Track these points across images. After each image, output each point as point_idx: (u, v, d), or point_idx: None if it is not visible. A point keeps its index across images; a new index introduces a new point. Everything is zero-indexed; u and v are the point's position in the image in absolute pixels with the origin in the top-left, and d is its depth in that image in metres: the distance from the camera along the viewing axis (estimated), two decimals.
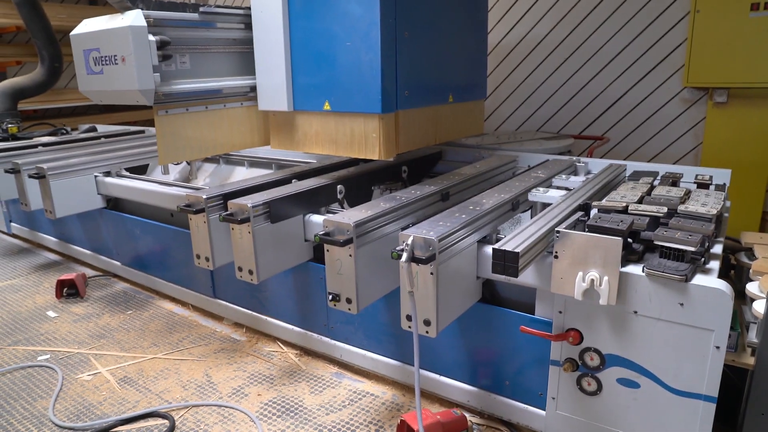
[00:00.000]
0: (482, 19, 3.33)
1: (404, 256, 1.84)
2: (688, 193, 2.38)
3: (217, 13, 2.85)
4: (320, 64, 2.61)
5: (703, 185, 2.64)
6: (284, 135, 2.89)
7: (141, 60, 2.49)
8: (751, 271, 2.21)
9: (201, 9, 2.78)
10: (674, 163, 4.50)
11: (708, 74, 4.11)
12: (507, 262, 1.74)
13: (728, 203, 2.71)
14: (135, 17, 2.48)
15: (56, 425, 2.40)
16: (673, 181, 2.67)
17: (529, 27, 4.98)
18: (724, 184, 2.75)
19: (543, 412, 2.16)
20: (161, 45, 2.55)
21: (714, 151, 4.28)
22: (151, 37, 2.51)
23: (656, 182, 2.64)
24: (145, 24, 2.49)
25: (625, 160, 3.65)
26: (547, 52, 4.94)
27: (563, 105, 4.99)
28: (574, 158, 3.23)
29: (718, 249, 2.05)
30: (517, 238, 1.85)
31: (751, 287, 2.10)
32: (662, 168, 2.92)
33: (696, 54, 4.10)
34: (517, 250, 1.73)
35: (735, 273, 2.61)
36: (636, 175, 2.77)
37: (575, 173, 3.14)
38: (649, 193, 2.39)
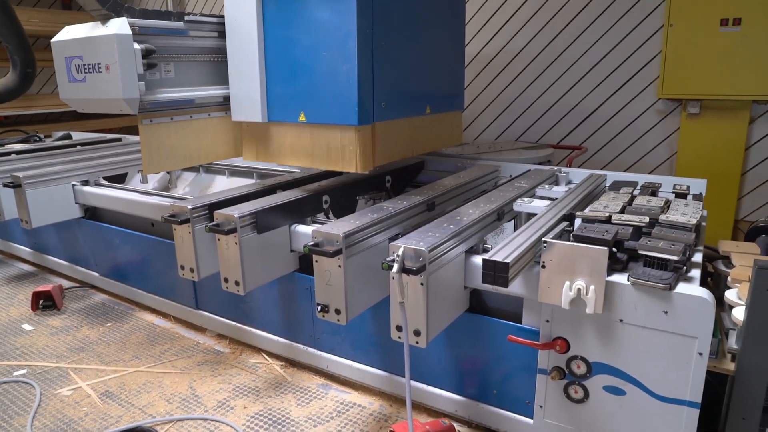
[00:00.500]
0: (460, 30, 3.36)
1: (395, 266, 1.85)
2: (667, 203, 2.44)
3: (202, 21, 2.83)
4: (296, 75, 2.58)
5: (681, 195, 2.72)
6: (258, 146, 2.85)
7: (126, 68, 2.46)
8: (729, 278, 2.28)
9: (186, 18, 2.76)
10: (650, 173, 4.61)
11: (681, 86, 4.22)
12: (497, 272, 1.77)
13: (705, 212, 2.79)
14: (120, 25, 2.45)
15: None
16: (652, 190, 2.74)
17: (507, 39, 5.06)
18: (701, 193, 2.83)
19: (531, 421, 2.19)
20: (146, 53, 2.53)
21: (688, 161, 4.40)
22: (136, 46, 2.48)
23: (636, 192, 2.70)
24: (130, 32, 2.46)
25: (602, 169, 3.73)
26: (524, 64, 5.03)
27: (541, 115, 5.07)
28: (555, 168, 3.29)
29: (698, 257, 2.11)
30: (506, 248, 1.88)
31: (730, 294, 2.16)
32: (641, 178, 2.99)
33: (670, 66, 4.22)
34: (507, 261, 1.75)
35: (713, 281, 2.68)
36: (616, 185, 2.83)
37: (557, 183, 3.20)
38: (630, 203, 2.44)
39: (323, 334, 2.77)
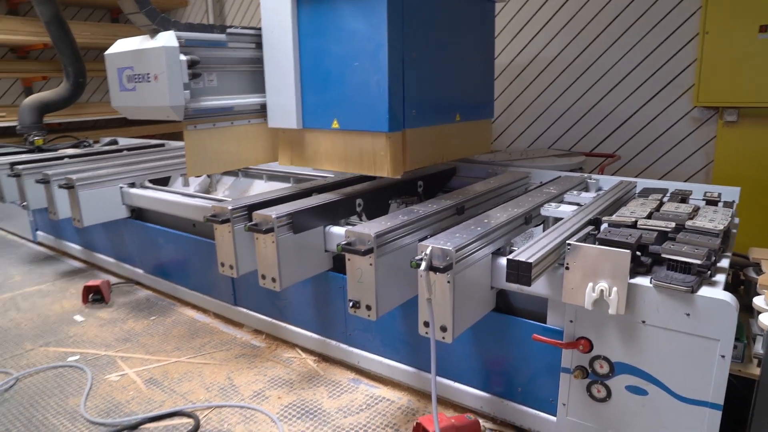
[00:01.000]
0: (489, 40, 3.44)
1: (423, 265, 1.94)
2: (696, 209, 2.47)
3: (242, 34, 2.99)
4: (329, 83, 2.70)
5: (711, 202, 2.73)
6: (293, 152, 2.98)
7: (173, 78, 2.63)
8: (758, 285, 2.29)
9: (227, 30, 2.93)
10: (685, 181, 4.58)
11: (718, 94, 4.20)
12: (521, 271, 1.84)
13: (737, 220, 2.80)
14: (168, 38, 2.64)
15: (88, 421, 2.52)
16: (682, 197, 2.76)
17: (541, 47, 5.11)
18: (733, 201, 2.83)
19: (554, 418, 2.25)
20: (191, 64, 2.70)
21: (725, 169, 4.36)
22: (182, 57, 2.66)
23: (666, 199, 2.73)
24: (177, 45, 2.64)
25: (636, 177, 3.74)
26: (558, 72, 5.06)
27: (575, 123, 5.09)
28: (585, 175, 3.33)
29: (724, 263, 2.13)
30: (530, 249, 1.96)
31: (758, 300, 2.17)
32: (672, 185, 3.01)
33: (705, 74, 4.20)
34: (530, 261, 1.83)
35: (744, 288, 2.69)
36: (645, 192, 2.86)
37: (586, 189, 3.23)
38: (658, 209, 2.48)
39: (355, 330, 2.88)
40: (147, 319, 3.63)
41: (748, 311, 2.31)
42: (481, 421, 2.40)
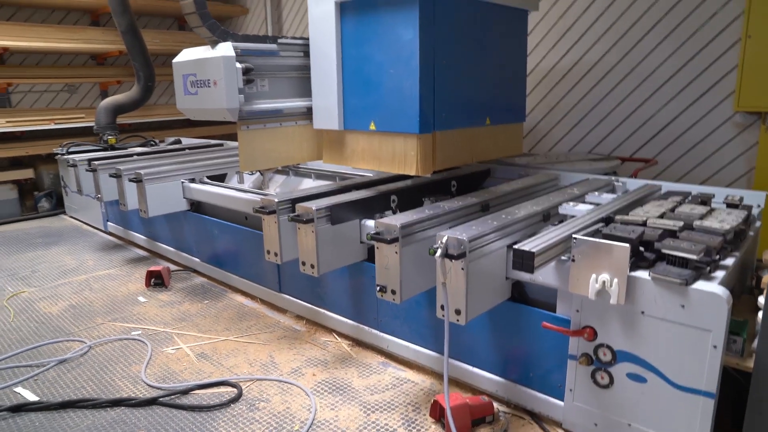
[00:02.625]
0: (522, 48, 3.60)
1: (439, 252, 2.16)
2: (710, 211, 2.57)
3: (291, 44, 3.31)
4: (367, 88, 2.93)
5: (732, 205, 2.81)
6: (335, 151, 3.24)
7: (229, 83, 2.98)
8: (762, 283, 2.38)
9: (279, 41, 3.25)
10: (727, 186, 4.56)
11: (759, 99, 4.18)
12: (524, 260, 2.04)
13: (758, 223, 2.87)
14: (226, 49, 2.99)
15: (148, 385, 2.88)
16: (702, 200, 2.85)
17: (583, 52, 5.20)
18: (754, 205, 2.89)
19: (562, 403, 2.41)
20: (246, 71, 3.05)
21: (767, 176, 4.32)
22: (238, 65, 3.00)
23: (686, 201, 2.83)
24: (234, 54, 2.98)
25: (675, 182, 3.80)
26: (600, 76, 5.14)
27: (615, 127, 5.15)
28: (613, 178, 3.44)
29: (729, 261, 2.24)
30: (536, 240, 2.14)
31: (761, 299, 2.27)
32: (695, 188, 3.09)
33: (747, 78, 4.18)
34: (533, 250, 2.02)
35: (757, 290, 2.75)
36: (667, 195, 2.97)
37: (613, 191, 3.35)
38: (673, 210, 2.60)
39: (386, 317, 3.12)
40: (201, 302, 3.99)
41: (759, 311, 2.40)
42: (495, 403, 2.58)
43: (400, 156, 2.90)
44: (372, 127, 2.96)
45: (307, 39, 3.19)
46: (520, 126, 3.71)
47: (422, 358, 2.97)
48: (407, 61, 2.73)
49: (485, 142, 3.35)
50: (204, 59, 3.07)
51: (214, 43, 3.07)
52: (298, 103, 3.37)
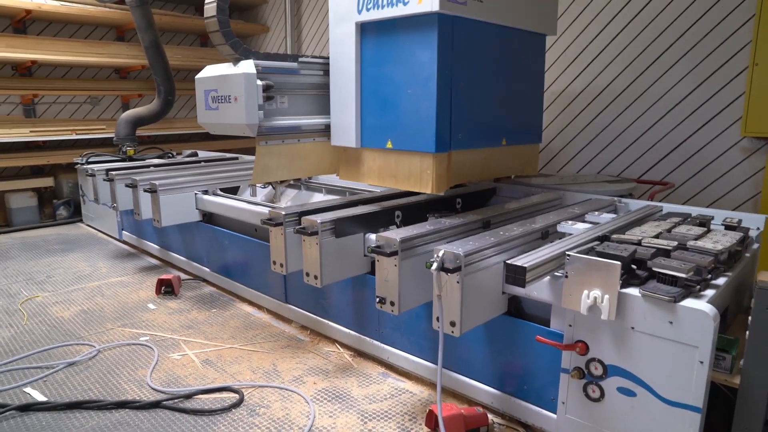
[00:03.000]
0: (539, 70, 3.65)
1: (435, 265, 2.24)
2: (707, 232, 2.62)
3: (311, 62, 3.36)
4: (385, 107, 2.97)
5: (730, 227, 2.84)
6: (351, 168, 3.29)
7: (249, 100, 3.04)
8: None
9: (299, 59, 3.32)
10: (733, 210, 4.58)
11: (766, 125, 4.22)
12: (517, 274, 2.10)
13: (756, 245, 2.90)
14: (247, 66, 3.08)
15: (152, 388, 2.97)
16: (701, 222, 2.89)
17: (595, 75, 5.28)
18: (753, 228, 2.92)
19: (555, 416, 2.45)
20: (266, 88, 3.12)
21: None
22: (259, 82, 3.07)
23: (684, 222, 2.87)
24: (254, 71, 3.06)
25: (683, 204, 3.81)
26: (610, 99, 5.21)
27: (624, 149, 5.20)
28: (616, 198, 3.50)
29: (720, 281, 2.28)
30: (530, 256, 2.21)
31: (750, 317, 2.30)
32: (695, 210, 3.13)
33: (754, 104, 4.23)
34: (525, 265, 2.08)
35: None
36: (667, 216, 3.02)
37: (615, 212, 3.40)
38: (670, 230, 2.65)
39: (387, 329, 3.19)
40: (209, 311, 4.09)
41: None
42: (490, 415, 2.63)
43: (416, 174, 2.93)
44: (389, 145, 3.01)
45: (327, 58, 3.26)
46: (537, 146, 3.78)
47: (421, 369, 3.02)
48: (425, 82, 2.77)
49: (501, 162, 3.41)
50: (225, 75, 3.16)
51: (236, 61, 3.15)
52: (317, 120, 3.43)
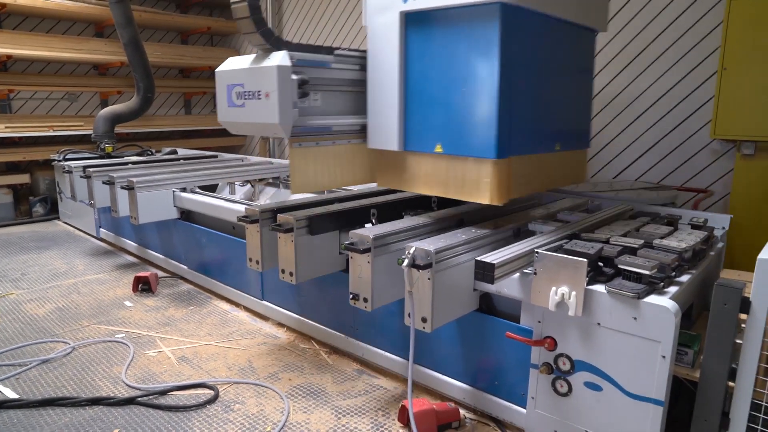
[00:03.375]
0: (589, 70, 3.39)
1: (406, 261, 2.27)
2: (672, 231, 2.69)
3: (348, 55, 2.96)
4: (434, 107, 2.65)
5: (696, 226, 2.92)
6: (392, 174, 2.94)
7: (283, 96, 2.61)
8: None
9: (335, 52, 2.91)
10: (704, 210, 4.69)
11: (734, 127, 4.33)
12: (485, 271, 2.14)
13: (721, 244, 2.98)
14: (282, 57, 2.62)
15: (127, 385, 2.96)
16: (669, 221, 2.97)
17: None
18: (717, 228, 3.00)
19: (525, 411, 2.50)
20: (301, 83, 2.69)
21: (741, 200, 4.44)
22: (294, 76, 2.65)
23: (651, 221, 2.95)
24: (290, 64, 2.62)
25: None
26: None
27: (619, 153, 5.29)
28: (588, 199, 3.55)
29: (684, 278, 2.35)
30: (500, 253, 2.25)
31: None
32: (664, 210, 3.21)
33: (723, 108, 4.34)
34: (494, 262, 2.12)
35: None
36: (637, 215, 3.09)
37: (588, 211, 3.46)
38: (638, 229, 2.72)
39: (361, 326, 3.22)
40: (186, 308, 4.08)
41: None
42: (462, 410, 2.67)
43: (471, 182, 2.60)
44: (438, 149, 2.68)
45: (364, 51, 2.93)
46: (585, 153, 3.51)
47: (395, 365, 3.05)
48: (485, 79, 2.46)
49: (554, 169, 3.09)
50: (256, 68, 2.71)
51: (266, 52, 2.72)
52: (352, 121, 3.01)
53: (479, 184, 2.58)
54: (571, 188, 3.97)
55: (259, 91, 2.69)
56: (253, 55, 2.76)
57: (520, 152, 2.66)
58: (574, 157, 3.29)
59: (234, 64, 2.86)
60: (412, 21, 2.68)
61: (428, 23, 2.63)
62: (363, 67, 2.93)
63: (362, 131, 3.01)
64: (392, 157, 2.90)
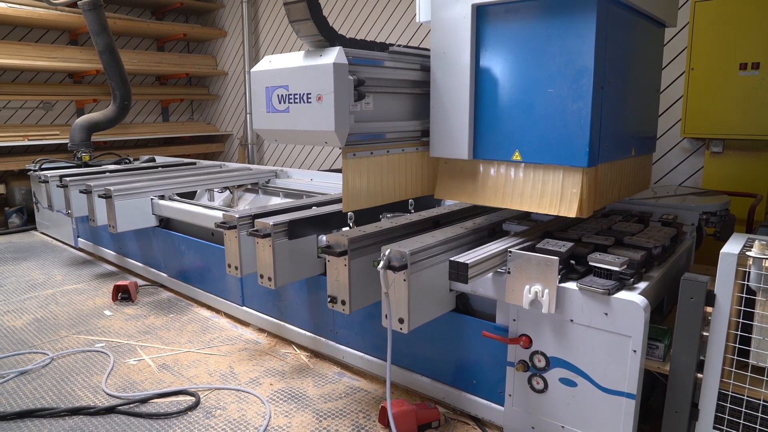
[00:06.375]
0: (659, 69, 3.12)
1: (381, 263, 2.30)
2: (643, 228, 2.76)
3: (405, 53, 2.67)
4: (512, 110, 2.40)
5: (666, 223, 2.99)
6: (457, 185, 2.67)
7: (340, 100, 2.25)
8: None
9: (390, 49, 2.60)
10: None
11: (703, 126, 4.44)
12: (459, 271, 2.18)
13: (690, 240, 3.06)
14: (338, 54, 2.25)
15: (107, 394, 2.95)
16: (641, 218, 3.04)
17: None
18: (685, 224, 3.07)
19: (503, 408, 2.54)
20: (358, 84, 2.34)
21: None
22: (350, 76, 2.30)
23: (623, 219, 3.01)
24: (347, 62, 2.26)
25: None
26: None
27: None
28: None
29: (654, 273, 2.41)
30: (473, 253, 2.29)
31: None
32: (637, 208, 3.28)
33: (692, 107, 4.45)
34: (467, 262, 2.16)
35: None
36: (609, 213, 3.15)
37: None
38: (610, 227, 2.78)
39: (341, 329, 3.24)
40: (166, 316, 4.07)
41: None
42: (441, 409, 2.70)
43: (554, 193, 2.36)
44: (516, 157, 2.42)
45: (422, 49, 2.73)
46: (651, 157, 3.29)
47: (375, 367, 3.08)
48: (576, 79, 2.21)
49: (629, 177, 2.86)
50: (304, 67, 2.32)
51: (317, 44, 2.32)
52: (409, 126, 2.70)
53: (563, 196, 2.34)
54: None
55: (308, 94, 2.31)
56: (295, 53, 2.40)
57: (605, 159, 2.42)
58: (643, 163, 3.07)
59: (274, 62, 2.47)
60: (486, 14, 2.42)
61: (506, 17, 2.37)
62: (423, 67, 2.67)
63: (418, 138, 2.74)
64: (458, 166, 2.64)
